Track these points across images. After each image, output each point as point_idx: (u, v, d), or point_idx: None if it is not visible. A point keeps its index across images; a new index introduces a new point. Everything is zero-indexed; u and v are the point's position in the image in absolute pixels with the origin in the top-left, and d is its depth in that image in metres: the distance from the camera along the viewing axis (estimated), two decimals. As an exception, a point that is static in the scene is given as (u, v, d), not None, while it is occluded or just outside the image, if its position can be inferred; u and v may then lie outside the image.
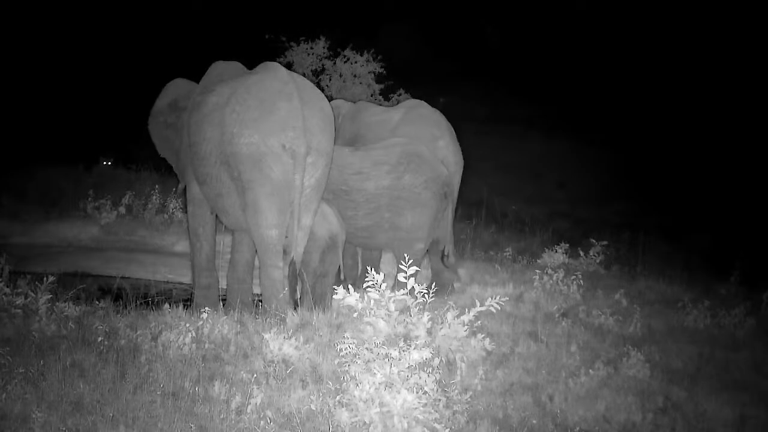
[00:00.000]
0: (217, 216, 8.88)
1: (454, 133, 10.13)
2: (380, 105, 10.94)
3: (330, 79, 16.45)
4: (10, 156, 15.20)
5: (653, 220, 16.09)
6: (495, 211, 14.58)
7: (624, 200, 18.60)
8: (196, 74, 9.12)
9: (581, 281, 9.33)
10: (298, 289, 8.42)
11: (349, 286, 5.84)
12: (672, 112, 22.31)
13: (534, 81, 24.32)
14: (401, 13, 24.20)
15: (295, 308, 8.05)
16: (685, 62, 23.42)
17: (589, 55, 24.40)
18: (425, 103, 10.36)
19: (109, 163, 16.44)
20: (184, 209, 12.47)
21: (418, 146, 9.30)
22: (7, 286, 6.92)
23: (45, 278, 6.88)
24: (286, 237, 8.05)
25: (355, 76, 16.46)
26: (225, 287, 9.08)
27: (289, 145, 7.81)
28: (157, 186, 13.39)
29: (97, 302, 7.42)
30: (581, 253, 11.38)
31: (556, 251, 11.24)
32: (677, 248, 13.59)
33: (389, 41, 19.81)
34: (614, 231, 12.99)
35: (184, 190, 8.99)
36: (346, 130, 10.47)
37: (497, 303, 5.66)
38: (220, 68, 8.88)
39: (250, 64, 8.97)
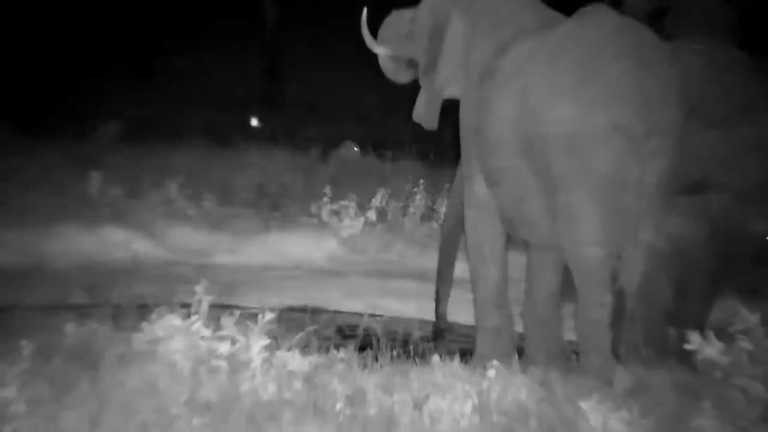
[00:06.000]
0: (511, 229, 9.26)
1: None
2: None
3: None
4: None
5: None
6: None
7: None
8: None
9: None
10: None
11: (710, 333, 5.96)
12: None
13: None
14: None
15: (619, 360, 8.16)
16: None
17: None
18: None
19: (356, 149, 17.46)
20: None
21: None
22: (207, 327, 7.16)
23: (260, 315, 7.07)
24: (617, 259, 8.21)
25: (707, 16, 16.19)
26: (521, 330, 9.47)
27: (622, 124, 7.94)
28: (421, 181, 13.97)
29: (335, 350, 7.72)
30: None
31: None
32: None
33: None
34: None
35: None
36: None
37: None
38: (517, 6, 9.26)
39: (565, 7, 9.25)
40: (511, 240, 9.44)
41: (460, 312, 10.46)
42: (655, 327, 8.60)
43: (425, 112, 9.95)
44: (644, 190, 8.08)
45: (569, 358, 8.72)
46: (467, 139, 9.18)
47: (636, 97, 7.99)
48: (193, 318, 7.29)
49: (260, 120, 20.50)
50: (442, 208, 13.42)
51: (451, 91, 9.66)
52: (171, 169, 14.70)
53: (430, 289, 11.93)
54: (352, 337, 9.40)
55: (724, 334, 6.14)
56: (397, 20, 10.43)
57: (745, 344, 5.90)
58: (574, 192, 8.11)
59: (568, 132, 8.06)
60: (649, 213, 8.18)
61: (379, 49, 10.53)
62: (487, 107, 8.75)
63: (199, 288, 7.44)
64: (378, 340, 8.77)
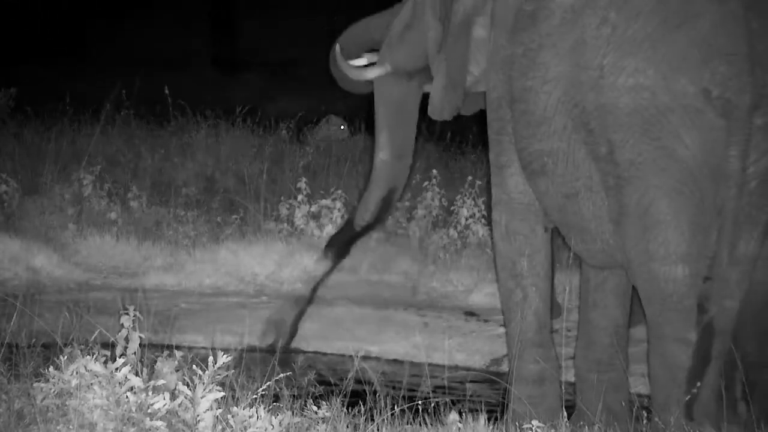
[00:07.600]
0: (562, 241, 9.35)
1: None
2: None
3: None
4: None
5: None
6: None
7: None
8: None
9: None
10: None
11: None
12: None
13: None
14: None
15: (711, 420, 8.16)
16: None
17: None
18: None
19: (343, 126, 17.50)
20: (487, 221, 12.96)
21: None
22: (137, 374, 7.07)
23: (211, 358, 6.97)
24: (706, 280, 8.21)
25: None
26: (572, 379, 9.53)
27: (719, 92, 7.90)
28: (434, 172, 13.98)
29: (314, 406, 7.64)
30: None
31: None
32: None
33: None
34: None
35: (488, 184, 9.43)
36: None
37: None
38: None
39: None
40: (558, 254, 9.44)
41: (482, 353, 10.41)
42: (762, 377, 8.56)
43: (447, 101, 9.85)
44: (747, 184, 8.03)
45: (638, 416, 8.58)
46: (496, 113, 9.16)
47: (739, 55, 7.93)
48: (118, 362, 7.15)
49: (209, 87, 20.50)
50: (463, 210, 13.40)
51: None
52: (84, 155, 14.64)
53: (447, 322, 12.01)
54: (338, 387, 9.28)
55: None
56: (365, 36, 10.62)
57: None
58: (649, 187, 8.10)
59: (640, 104, 8.04)
60: (753, 216, 8.16)
61: (378, 70, 10.41)
62: (527, 68, 8.71)
63: (125, 320, 7.35)
64: (374, 391, 8.72)
